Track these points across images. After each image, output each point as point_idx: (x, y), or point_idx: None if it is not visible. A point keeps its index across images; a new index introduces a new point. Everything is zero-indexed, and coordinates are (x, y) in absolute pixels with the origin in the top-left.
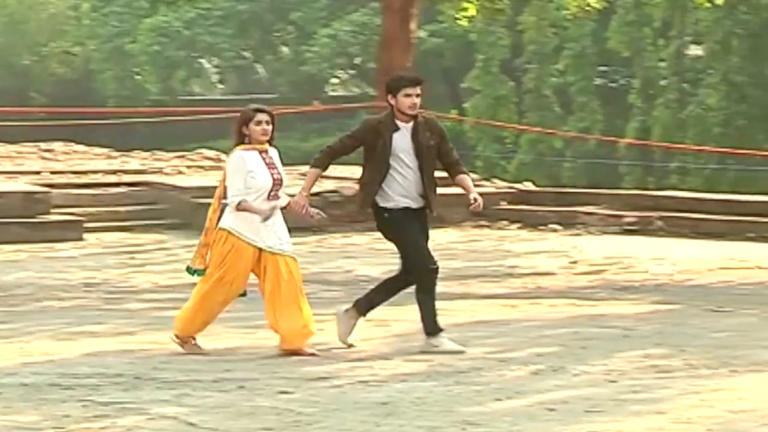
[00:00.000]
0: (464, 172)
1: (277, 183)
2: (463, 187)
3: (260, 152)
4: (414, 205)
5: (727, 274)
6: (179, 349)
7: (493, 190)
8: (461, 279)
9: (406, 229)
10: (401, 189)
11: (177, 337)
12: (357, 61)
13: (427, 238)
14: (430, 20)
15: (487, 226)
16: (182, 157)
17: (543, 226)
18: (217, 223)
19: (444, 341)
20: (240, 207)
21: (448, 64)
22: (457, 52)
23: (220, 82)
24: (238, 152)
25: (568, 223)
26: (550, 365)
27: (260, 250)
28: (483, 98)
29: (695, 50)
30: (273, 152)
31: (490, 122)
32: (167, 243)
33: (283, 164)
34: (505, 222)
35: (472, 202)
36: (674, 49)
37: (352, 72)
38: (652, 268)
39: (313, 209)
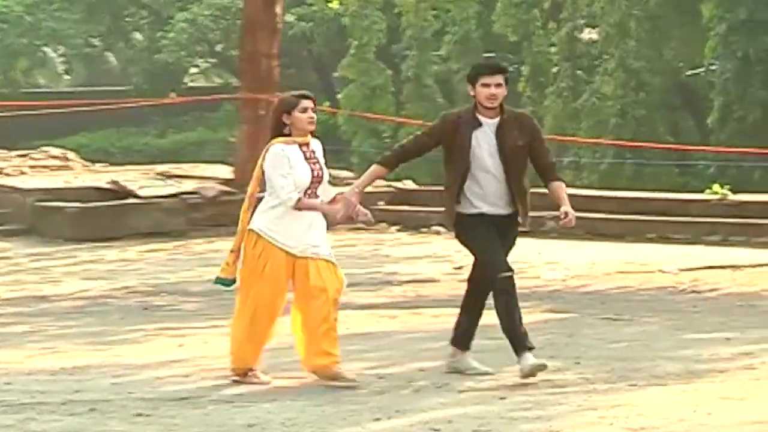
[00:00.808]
0: (558, 179)
1: (317, 179)
2: (555, 197)
3: (300, 145)
4: (493, 211)
5: (625, 279)
6: (23, 367)
7: (370, 189)
8: None
9: (477, 234)
10: (481, 195)
11: (233, 370)
12: (218, 48)
13: (507, 247)
14: (298, 3)
15: (364, 230)
16: (25, 156)
17: (425, 228)
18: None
19: (530, 358)
20: (300, 205)
21: (319, 50)
22: (328, 37)
23: (67, 72)
24: (279, 145)
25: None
26: (434, 381)
27: (294, 257)
28: (357, 88)
29: (589, 34)
30: (316, 144)
31: (365, 114)
32: (9, 252)
33: (133, 164)
34: (383, 224)
35: (562, 216)
36: (566, 33)
37: (212, 60)
38: (543, 273)
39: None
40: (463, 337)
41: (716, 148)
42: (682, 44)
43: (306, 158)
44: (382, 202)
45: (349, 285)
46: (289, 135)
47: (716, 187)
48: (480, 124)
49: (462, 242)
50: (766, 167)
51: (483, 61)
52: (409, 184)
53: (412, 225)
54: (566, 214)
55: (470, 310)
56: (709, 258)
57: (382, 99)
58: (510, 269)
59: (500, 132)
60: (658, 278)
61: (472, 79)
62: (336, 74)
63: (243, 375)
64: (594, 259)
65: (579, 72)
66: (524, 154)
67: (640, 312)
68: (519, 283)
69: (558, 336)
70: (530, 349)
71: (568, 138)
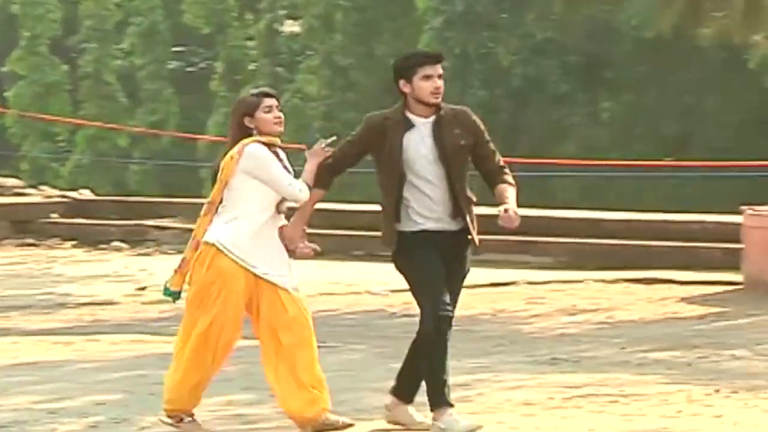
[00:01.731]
0: (509, 182)
1: None
2: (500, 198)
3: (269, 147)
4: (439, 226)
5: (330, 302)
6: None
7: (40, 199)
8: (0, 311)
9: (417, 259)
10: (421, 208)
11: (167, 412)
12: None
13: (458, 275)
14: None
15: (34, 245)
16: None
17: (104, 243)
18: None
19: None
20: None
21: None
22: None
23: None
24: (256, 144)
25: (136, 239)
26: (112, 416)
27: (256, 277)
28: (28, 85)
29: (291, 26)
30: (280, 152)
31: (37, 115)
32: None
33: None
34: (56, 239)
35: (501, 213)
36: (265, 25)
37: None
38: None
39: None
40: (407, 386)
41: None
42: (395, 39)
43: (279, 161)
44: (55, 214)
45: (18, 308)
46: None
47: None
48: (412, 125)
49: (399, 268)
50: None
51: (416, 49)
52: (85, 194)
53: (90, 240)
54: (506, 210)
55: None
56: None
57: (56, 98)
58: (449, 308)
59: (438, 132)
60: (366, 300)
61: (407, 72)
62: (4, 69)
63: (178, 420)
64: (297, 279)
65: (279, 69)
66: (467, 157)
67: (347, 338)
68: None
69: (253, 365)
70: (451, 405)
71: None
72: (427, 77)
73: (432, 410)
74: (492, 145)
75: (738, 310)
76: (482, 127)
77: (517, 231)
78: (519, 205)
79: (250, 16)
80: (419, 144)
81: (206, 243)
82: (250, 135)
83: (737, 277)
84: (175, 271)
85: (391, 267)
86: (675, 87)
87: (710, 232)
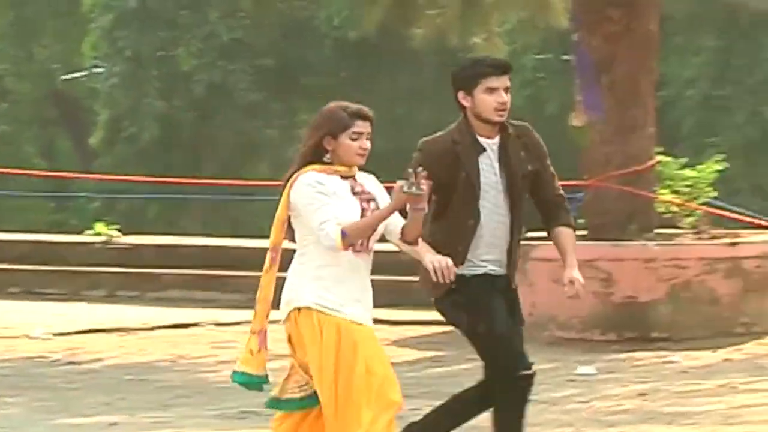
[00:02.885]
0: (570, 225)
1: None
2: (561, 251)
3: (343, 177)
4: (498, 270)
5: None
6: None
7: None
8: None
9: (485, 309)
10: (486, 246)
11: None
12: None
13: (519, 327)
14: None
15: None
16: None
17: None
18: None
19: None
20: (348, 238)
21: None
22: None
23: None
24: (312, 173)
25: None
26: None
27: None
28: None
29: None
30: (365, 178)
31: None
32: None
33: None
34: None
35: (567, 284)
36: None
37: None
38: None
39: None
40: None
41: (101, 176)
42: (57, 40)
43: (353, 192)
44: None
45: None
46: (328, 164)
47: (100, 226)
48: (483, 149)
49: (452, 319)
50: (165, 200)
51: (478, 56)
52: None
53: None
54: (571, 282)
55: (457, 415)
56: (91, 319)
57: None
58: (530, 364)
59: (504, 156)
60: (23, 346)
61: (467, 82)
62: None
63: None
64: None
65: None
66: (528, 185)
67: (0, 390)
68: None
69: None
70: None
71: None
72: (492, 90)
73: None
74: (553, 170)
75: (455, 354)
76: (545, 148)
77: (199, 263)
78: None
79: None
80: (489, 171)
81: (298, 308)
82: (323, 159)
83: None
84: (251, 351)
85: (56, 306)
86: (383, 96)
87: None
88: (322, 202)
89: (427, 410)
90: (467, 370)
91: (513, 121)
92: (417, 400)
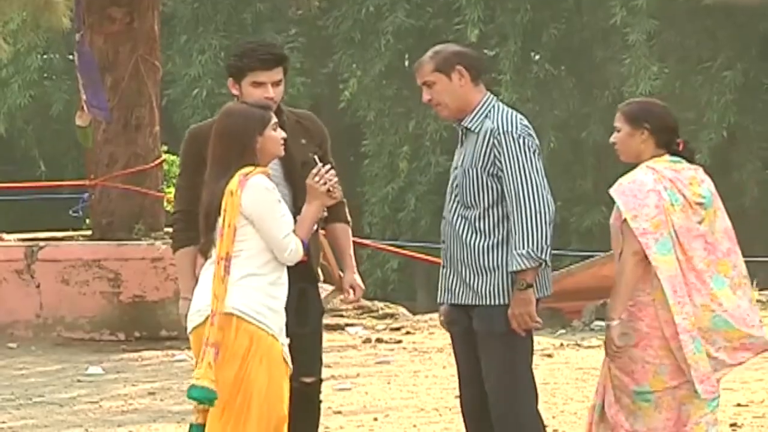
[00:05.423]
0: (347, 221)
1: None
2: (338, 250)
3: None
4: None
5: None
6: None
7: None
8: None
9: None
10: None
11: None
12: None
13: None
14: None
15: None
16: None
17: None
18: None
19: None
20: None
21: None
22: None
23: None
24: (260, 176)
25: None
26: None
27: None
28: None
29: None
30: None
31: None
32: None
33: None
34: None
35: (346, 291)
36: None
37: None
38: None
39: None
40: None
41: None
42: None
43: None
44: None
45: None
46: (254, 165)
47: None
48: None
49: None
50: None
51: (247, 43)
52: None
53: None
54: (352, 288)
55: None
56: None
57: None
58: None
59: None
60: None
61: (235, 73)
62: None
63: None
64: None
65: None
66: (308, 173)
67: None
68: None
69: None
70: None
71: None
72: (259, 84)
73: None
74: (332, 160)
75: None
76: (328, 136)
77: None
78: None
79: None
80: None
81: (225, 314)
82: (253, 163)
83: None
84: (209, 364)
85: None
86: None
87: None
88: (281, 211)
89: None
90: None
91: (294, 109)
92: None
